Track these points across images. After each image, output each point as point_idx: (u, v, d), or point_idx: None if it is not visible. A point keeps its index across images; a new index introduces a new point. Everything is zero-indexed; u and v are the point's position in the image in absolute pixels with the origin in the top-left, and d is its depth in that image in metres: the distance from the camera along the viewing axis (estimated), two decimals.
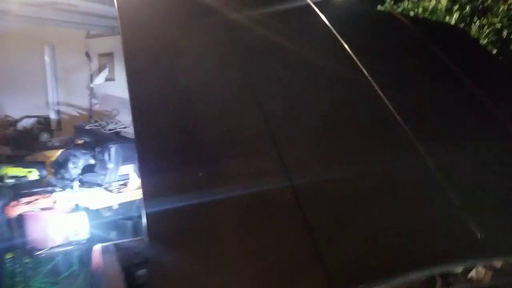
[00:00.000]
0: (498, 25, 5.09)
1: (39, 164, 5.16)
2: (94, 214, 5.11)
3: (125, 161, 5.43)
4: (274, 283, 1.34)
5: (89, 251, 4.41)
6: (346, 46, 2.06)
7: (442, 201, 1.58)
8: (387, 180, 1.66)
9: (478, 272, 1.87)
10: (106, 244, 2.74)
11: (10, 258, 5.05)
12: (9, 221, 4.74)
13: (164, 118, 1.76)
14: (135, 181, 5.42)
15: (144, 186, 1.55)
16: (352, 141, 1.77)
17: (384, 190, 1.62)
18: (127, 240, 4.49)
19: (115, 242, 2.90)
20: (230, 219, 1.50)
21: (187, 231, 1.47)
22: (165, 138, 1.71)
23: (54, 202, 4.69)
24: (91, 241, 4.57)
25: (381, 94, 1.87)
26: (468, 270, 1.94)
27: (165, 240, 1.43)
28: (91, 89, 8.30)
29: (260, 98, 1.81)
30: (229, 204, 1.52)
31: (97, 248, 2.65)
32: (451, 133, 1.88)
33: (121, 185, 5.41)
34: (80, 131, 6.66)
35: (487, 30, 5.04)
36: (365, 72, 1.97)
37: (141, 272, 2.44)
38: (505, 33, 5.12)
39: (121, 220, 5.51)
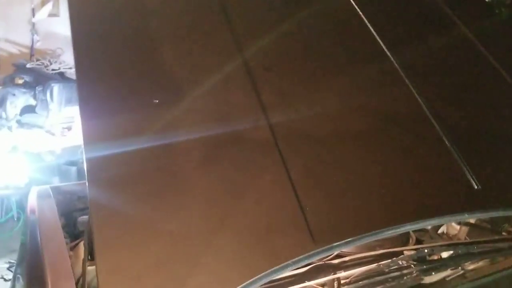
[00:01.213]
0: None
1: None
2: (34, 157, 4.79)
3: (69, 102, 5.06)
4: (246, 231, 1.17)
5: (27, 196, 4.15)
6: None
7: (439, 150, 1.43)
8: (376, 120, 1.48)
9: (451, 228, 1.78)
10: (44, 186, 2.48)
11: None
12: None
13: (112, 42, 1.50)
14: (79, 124, 5.10)
15: (84, 125, 1.31)
16: (335, 76, 1.56)
17: (370, 133, 1.44)
18: (69, 183, 4.23)
19: (55, 185, 2.65)
20: (192, 158, 1.29)
21: (135, 172, 1.26)
22: (112, 67, 1.45)
23: None
24: (31, 186, 4.29)
25: (370, 27, 1.65)
26: (439, 226, 1.86)
27: (108, 183, 1.22)
28: (33, 25, 7.67)
29: (232, 19, 1.55)
30: (191, 139, 1.30)
31: (33, 191, 2.39)
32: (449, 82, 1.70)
33: (64, 128, 5.07)
34: (20, 69, 6.19)
35: None
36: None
37: (83, 218, 2.22)
38: None
39: (65, 165, 5.20)
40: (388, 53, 1.62)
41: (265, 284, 1.38)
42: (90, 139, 1.29)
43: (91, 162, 1.23)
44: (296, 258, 1.12)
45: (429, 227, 1.87)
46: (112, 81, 1.42)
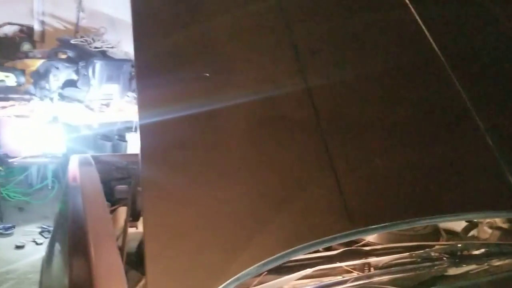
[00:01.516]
0: None
1: (18, 71, 4.89)
2: (72, 129, 4.94)
3: (110, 80, 5.18)
4: (284, 205, 1.21)
5: (64, 166, 4.29)
6: None
7: (480, 147, 1.44)
8: (418, 111, 1.50)
9: (483, 231, 1.79)
10: (84, 155, 2.57)
11: None
12: None
13: (170, 18, 1.56)
14: (117, 102, 5.22)
15: (140, 93, 1.37)
16: (383, 66, 1.58)
17: (412, 123, 1.46)
18: (107, 154, 4.36)
19: (94, 154, 2.74)
20: (236, 131, 1.34)
21: (182, 139, 1.32)
22: (168, 41, 1.51)
23: (31, 111, 4.47)
24: (67, 157, 4.44)
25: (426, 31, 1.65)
26: (470, 229, 1.86)
27: (158, 153, 1.28)
28: (79, 2, 7.86)
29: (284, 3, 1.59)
30: (237, 113, 1.35)
31: (75, 158, 2.47)
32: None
33: (103, 105, 5.20)
34: (64, 44, 6.35)
35: None
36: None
37: (121, 187, 2.30)
38: None
39: (101, 140, 5.35)
40: (437, 50, 1.62)
41: (297, 260, 1.43)
42: (144, 106, 1.35)
43: (144, 128, 1.29)
44: (332, 236, 1.16)
45: (460, 229, 1.88)
46: (168, 54, 1.47)
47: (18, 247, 4.16)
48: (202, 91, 1.40)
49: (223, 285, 1.02)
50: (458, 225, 1.92)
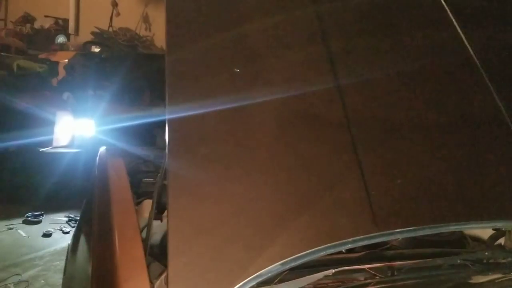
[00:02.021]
0: None
1: (52, 63, 5.00)
2: (103, 122, 5.02)
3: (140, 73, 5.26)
4: (309, 204, 1.20)
5: (93, 157, 4.36)
6: None
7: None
8: (451, 116, 1.47)
9: (510, 240, 1.74)
10: (113, 147, 2.62)
11: (13, 151, 5.02)
12: (15, 113, 4.64)
13: (203, 12, 1.57)
14: (147, 97, 5.28)
15: (169, 86, 1.38)
16: (418, 69, 1.55)
17: (444, 128, 1.43)
18: (136, 147, 4.41)
19: (123, 147, 2.79)
20: (265, 127, 1.34)
21: (211, 133, 1.32)
22: (201, 35, 1.52)
23: (64, 102, 4.57)
24: (97, 149, 4.51)
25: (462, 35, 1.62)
26: (497, 237, 1.82)
27: (186, 147, 1.29)
28: None
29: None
30: (266, 109, 1.35)
31: (103, 149, 2.52)
32: None
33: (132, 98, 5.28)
34: (97, 38, 6.48)
35: None
36: None
37: (148, 180, 2.33)
38: None
39: (131, 132, 5.42)
40: (475, 57, 1.59)
41: (319, 261, 1.42)
42: (173, 100, 1.36)
43: (172, 122, 1.30)
44: (356, 238, 1.15)
45: (487, 237, 1.84)
46: (199, 50, 1.48)
47: (46, 235, 4.26)
48: (232, 87, 1.40)
49: (244, 281, 1.02)
50: (485, 233, 1.88)
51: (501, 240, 1.82)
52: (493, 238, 1.80)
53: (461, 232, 1.81)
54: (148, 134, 5.44)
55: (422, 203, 1.27)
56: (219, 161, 1.27)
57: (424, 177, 1.33)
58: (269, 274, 1.06)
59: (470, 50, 1.57)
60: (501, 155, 1.44)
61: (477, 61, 1.54)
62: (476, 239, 1.89)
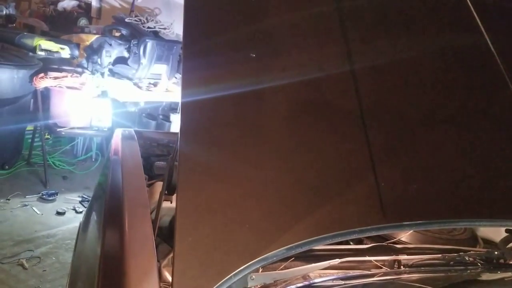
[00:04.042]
0: None
1: (73, 44, 5.05)
2: (119, 105, 5.07)
3: (159, 59, 5.28)
4: (318, 192, 1.20)
5: (108, 139, 4.41)
6: None
7: None
8: (467, 110, 1.44)
9: None
10: (128, 129, 2.64)
11: (31, 130, 5.09)
12: (35, 93, 4.71)
13: None
14: (165, 82, 5.31)
15: (185, 69, 1.39)
16: (434, 60, 1.53)
17: (460, 121, 1.41)
18: (150, 130, 4.45)
19: (138, 130, 2.81)
20: (277, 113, 1.34)
21: (223, 120, 1.33)
22: (218, 20, 1.51)
23: (82, 83, 4.62)
24: (112, 131, 4.57)
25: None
26: (509, 240, 1.79)
27: (198, 129, 1.29)
28: None
29: None
30: (280, 95, 1.35)
31: (119, 131, 2.54)
32: None
33: (150, 84, 5.31)
34: (119, 22, 6.48)
35: None
36: None
37: (160, 163, 2.35)
38: None
39: (145, 117, 5.47)
40: (495, 53, 1.56)
41: (325, 250, 1.42)
42: (188, 82, 1.36)
43: (186, 105, 1.31)
44: (363, 228, 1.14)
45: (499, 240, 1.81)
46: (215, 35, 1.48)
47: (59, 214, 4.32)
48: (246, 72, 1.40)
49: (249, 263, 1.03)
50: (497, 235, 1.86)
51: None
52: (505, 241, 1.78)
53: (472, 232, 1.79)
54: (164, 120, 5.48)
55: (433, 197, 1.26)
56: (230, 144, 1.27)
57: (436, 172, 1.32)
58: (274, 258, 1.06)
59: (491, 46, 1.54)
60: None
61: (497, 57, 1.51)
62: (488, 242, 1.87)
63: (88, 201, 4.51)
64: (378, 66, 1.46)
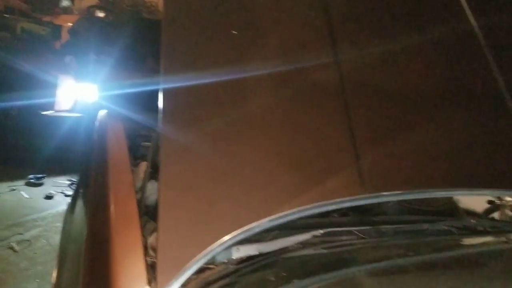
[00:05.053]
0: None
1: (55, 26, 4.99)
2: (104, 87, 5.02)
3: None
4: (300, 165, 1.23)
5: (94, 121, 4.38)
6: None
7: (508, 128, 1.41)
8: (448, 87, 1.47)
9: (505, 215, 1.76)
10: (113, 111, 2.64)
11: (15, 113, 5.05)
12: (18, 75, 4.66)
13: None
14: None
15: (164, 55, 1.39)
16: (416, 38, 1.55)
17: (439, 98, 1.44)
18: (136, 113, 4.43)
19: (122, 110, 2.80)
20: (261, 91, 1.35)
21: (205, 99, 1.34)
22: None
23: (67, 66, 4.58)
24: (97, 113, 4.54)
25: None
26: (491, 210, 1.84)
27: (180, 106, 1.31)
28: None
29: None
30: (262, 74, 1.36)
31: (103, 112, 2.54)
32: None
33: None
34: (102, 2, 6.41)
35: None
36: None
37: (146, 144, 2.35)
38: None
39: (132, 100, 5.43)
40: (478, 32, 1.58)
41: (307, 223, 1.45)
42: (168, 64, 1.37)
43: (166, 89, 1.32)
44: (344, 198, 1.17)
45: (481, 210, 1.86)
46: (195, 18, 1.48)
47: (48, 197, 4.33)
48: (228, 50, 1.41)
49: (232, 235, 1.06)
50: (480, 206, 1.90)
51: (496, 215, 1.85)
52: (487, 212, 1.83)
53: (454, 204, 1.83)
54: (151, 100, 5.45)
55: (411, 168, 1.30)
56: (212, 120, 1.29)
57: (415, 144, 1.35)
58: (257, 229, 1.09)
59: (474, 24, 1.56)
60: (495, 128, 1.45)
61: (479, 35, 1.54)
62: (470, 213, 1.92)
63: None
64: (360, 44, 1.47)
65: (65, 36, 5.14)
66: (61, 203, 4.24)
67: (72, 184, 4.63)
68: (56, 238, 3.64)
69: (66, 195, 4.39)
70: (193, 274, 1.07)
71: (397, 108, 1.42)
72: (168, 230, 1.07)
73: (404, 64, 1.52)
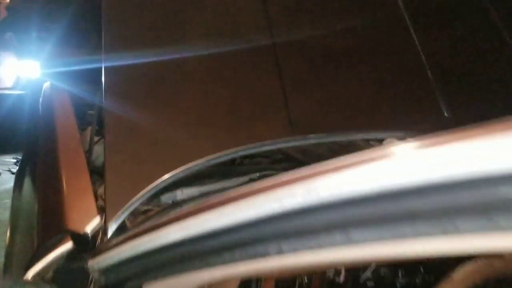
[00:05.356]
0: None
1: None
2: (47, 64, 4.93)
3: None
4: (235, 114, 1.36)
5: (39, 99, 4.32)
6: None
7: (420, 78, 1.59)
8: (368, 46, 1.64)
9: None
10: (58, 83, 2.66)
11: None
12: None
13: None
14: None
15: (106, 35, 1.47)
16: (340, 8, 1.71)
17: (360, 54, 1.61)
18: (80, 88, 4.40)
19: (68, 82, 2.82)
20: (195, 60, 1.46)
21: (144, 83, 1.43)
22: None
23: (7, 43, 4.47)
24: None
25: None
26: None
27: (120, 91, 1.40)
28: None
29: None
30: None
31: (48, 85, 2.57)
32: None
33: None
34: None
35: None
36: None
37: (92, 112, 2.40)
38: None
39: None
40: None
41: (247, 169, 1.59)
42: (108, 47, 1.45)
43: (107, 67, 1.40)
44: (274, 140, 1.32)
45: None
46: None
47: None
48: (166, 29, 1.50)
49: (174, 172, 1.18)
50: None
51: None
52: None
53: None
54: (94, 77, 5.40)
55: (335, 115, 1.46)
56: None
57: (338, 94, 1.51)
58: (197, 168, 1.22)
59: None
60: (409, 80, 1.63)
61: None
62: None
63: None
64: (291, 7, 1.62)
65: (3, 12, 4.98)
66: (9, 181, 4.19)
67: (17, 161, 4.57)
68: (5, 215, 3.62)
69: (13, 173, 4.33)
70: (141, 214, 1.19)
71: (322, 61, 1.58)
72: (115, 172, 1.18)
73: (330, 25, 1.67)
